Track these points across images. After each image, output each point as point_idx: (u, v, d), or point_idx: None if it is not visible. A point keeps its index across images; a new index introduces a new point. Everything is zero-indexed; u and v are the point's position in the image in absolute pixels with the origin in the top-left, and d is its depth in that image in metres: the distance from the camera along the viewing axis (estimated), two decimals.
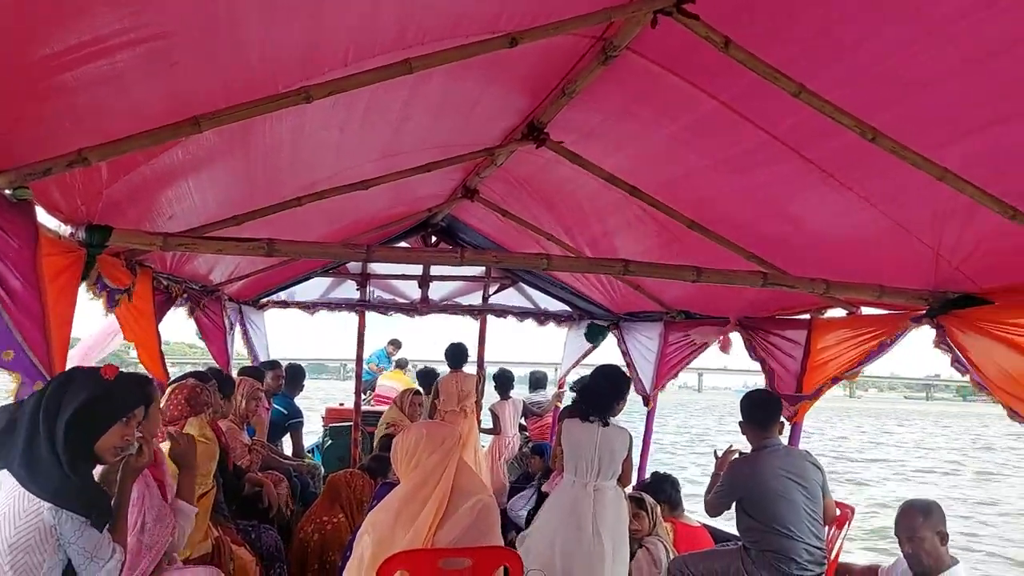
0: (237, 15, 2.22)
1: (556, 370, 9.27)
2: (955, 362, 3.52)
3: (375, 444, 6.96)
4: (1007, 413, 3.25)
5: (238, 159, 3.64)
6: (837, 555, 4.47)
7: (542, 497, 5.44)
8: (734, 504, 4.39)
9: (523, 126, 4.19)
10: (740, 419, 4.53)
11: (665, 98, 3.47)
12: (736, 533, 4.54)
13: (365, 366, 9.52)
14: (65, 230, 2.91)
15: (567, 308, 8.45)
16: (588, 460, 4.41)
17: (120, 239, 3.02)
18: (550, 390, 9.27)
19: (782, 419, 4.52)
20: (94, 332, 5.21)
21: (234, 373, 6.39)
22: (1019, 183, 2.69)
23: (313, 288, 8.44)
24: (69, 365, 2.67)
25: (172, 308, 5.07)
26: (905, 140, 2.72)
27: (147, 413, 2.79)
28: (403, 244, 7.69)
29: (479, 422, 7.97)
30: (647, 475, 6.40)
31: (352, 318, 8.53)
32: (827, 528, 4.44)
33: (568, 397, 8.26)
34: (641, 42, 3.03)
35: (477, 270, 8.40)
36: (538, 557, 4.32)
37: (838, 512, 4.53)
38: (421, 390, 8.19)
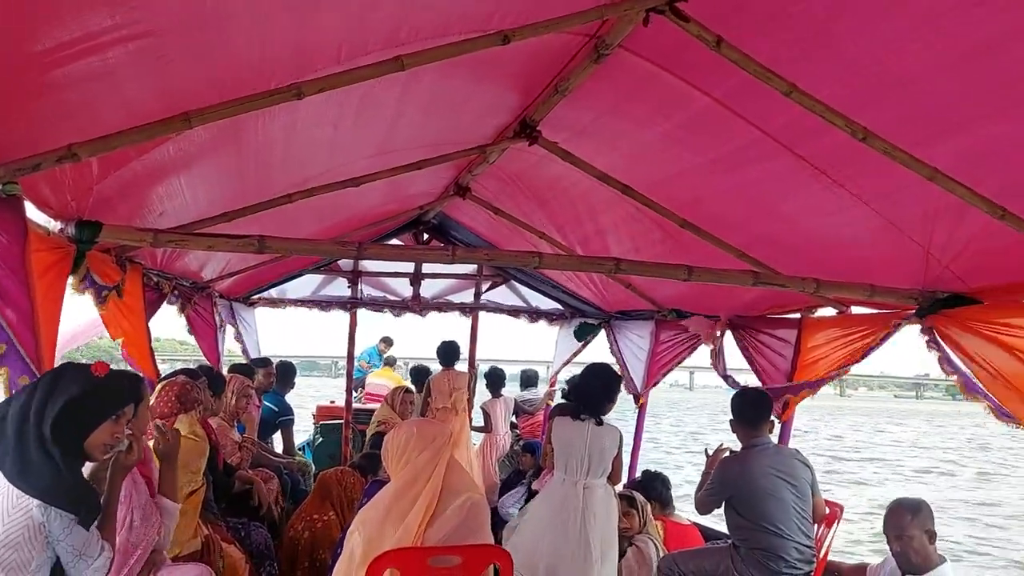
0: (229, 12, 2.21)
1: (548, 368, 9.27)
2: (943, 361, 3.53)
3: (366, 442, 6.97)
4: (994, 414, 3.27)
5: (230, 156, 3.63)
6: (826, 553, 4.49)
7: (532, 495, 5.45)
8: (724, 502, 4.41)
9: (515, 124, 4.19)
10: (730, 418, 4.55)
11: (658, 96, 3.47)
12: (726, 531, 4.56)
13: (356, 363, 9.51)
14: (55, 226, 2.89)
15: (559, 306, 8.46)
16: (578, 458, 4.42)
17: (110, 235, 3.00)
18: (541, 388, 9.28)
19: (772, 418, 4.53)
20: (78, 323, 5.17)
21: (225, 370, 6.37)
22: (1008, 182, 2.71)
23: (304, 285, 8.42)
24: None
25: (162, 305, 5.05)
26: (895, 138, 2.73)
27: (137, 411, 2.78)
28: (395, 241, 7.68)
29: (471, 420, 7.97)
30: (638, 473, 6.41)
31: (343, 315, 8.52)
32: (816, 526, 4.46)
33: (559, 395, 8.28)
34: (634, 40, 3.04)
35: (469, 268, 8.40)
36: (523, 553, 4.32)
37: (827, 511, 4.55)
38: (412, 388, 8.19)
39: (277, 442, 7.45)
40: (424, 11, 2.71)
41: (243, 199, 4.17)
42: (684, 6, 2.67)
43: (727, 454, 4.62)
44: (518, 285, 8.50)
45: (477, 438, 8.22)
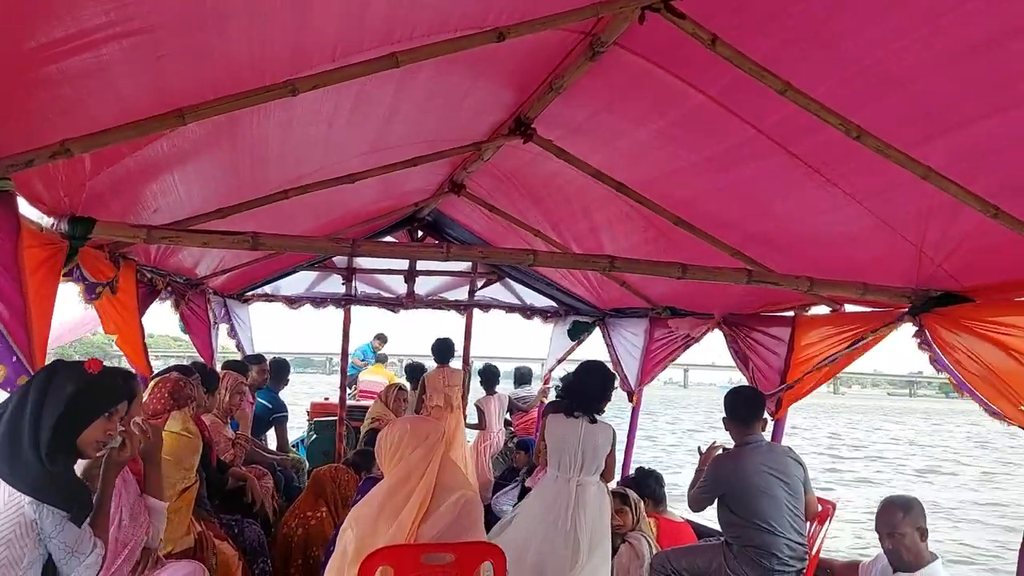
0: (224, 9, 2.21)
1: (542, 365, 9.29)
2: (934, 361, 3.55)
3: (360, 439, 6.97)
4: (988, 411, 3.28)
5: (224, 152, 3.62)
6: (818, 550, 4.50)
7: (526, 492, 5.46)
8: (717, 500, 4.42)
9: (510, 121, 4.19)
10: (723, 415, 4.57)
11: (653, 93, 3.47)
12: (719, 529, 4.57)
13: (350, 360, 9.51)
14: (47, 222, 2.88)
15: (553, 304, 8.47)
16: (571, 455, 4.42)
17: (103, 231, 3.00)
18: (535, 385, 9.29)
19: (765, 416, 4.55)
20: (72, 319, 5.16)
21: (218, 367, 6.36)
22: (1001, 181, 2.71)
23: (299, 282, 8.41)
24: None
25: (156, 301, 5.04)
26: (889, 136, 2.73)
27: (130, 408, 2.77)
28: (389, 238, 7.67)
29: (465, 417, 7.98)
30: (631, 470, 6.42)
31: (338, 312, 8.51)
32: (809, 524, 4.47)
33: (553, 393, 8.29)
34: (629, 37, 3.04)
35: (463, 265, 8.40)
36: (512, 548, 4.33)
37: (820, 508, 4.57)
38: (407, 385, 8.19)
39: (271, 439, 7.44)
40: (419, 8, 2.70)
41: (238, 195, 4.16)
42: (679, 4, 2.67)
43: (720, 452, 4.63)
44: (512, 282, 8.51)
45: (471, 435, 8.23)
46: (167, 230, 3.31)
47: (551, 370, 8.90)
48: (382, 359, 12.12)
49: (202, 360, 6.44)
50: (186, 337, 6.63)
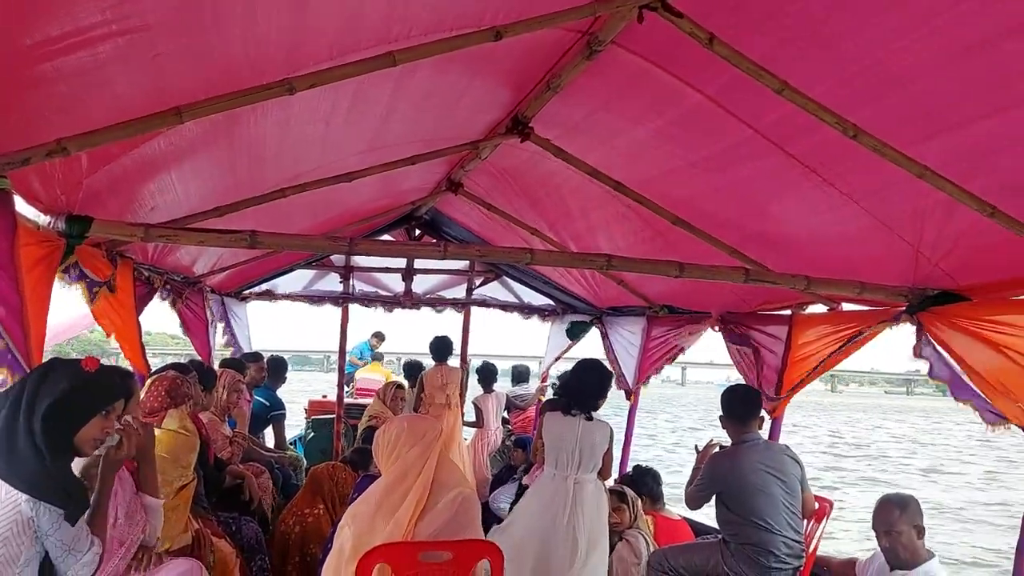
0: (221, 8, 2.21)
1: (539, 364, 9.29)
2: (931, 369, 3.55)
3: (357, 436, 6.97)
4: (982, 417, 3.29)
5: (221, 150, 3.62)
6: (815, 548, 4.51)
7: (523, 490, 5.46)
8: (714, 497, 4.43)
9: (507, 120, 4.19)
10: (720, 414, 4.58)
11: (650, 92, 3.47)
12: (716, 526, 4.58)
13: (347, 358, 9.52)
14: (44, 220, 2.88)
15: (551, 302, 8.47)
16: (569, 453, 4.43)
17: (100, 230, 2.99)
18: (533, 384, 9.30)
19: (762, 414, 4.56)
20: (69, 317, 5.16)
21: (216, 365, 6.36)
22: (997, 180, 2.72)
23: (296, 280, 8.41)
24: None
25: (153, 299, 5.04)
26: (886, 136, 2.74)
27: (127, 406, 2.77)
28: (387, 237, 7.67)
29: (462, 415, 7.98)
30: (629, 468, 6.43)
31: (335, 310, 8.51)
32: (806, 522, 4.48)
33: (550, 391, 8.30)
34: (626, 36, 3.04)
35: (461, 263, 8.40)
36: (512, 548, 4.33)
37: (816, 506, 4.58)
38: (405, 383, 8.19)
39: (269, 437, 7.44)
40: (416, 7, 2.70)
41: (235, 194, 4.16)
42: (677, 2, 2.67)
43: (717, 449, 4.64)
44: (510, 281, 8.51)
45: (468, 433, 8.23)
46: (164, 228, 3.30)
47: (548, 368, 8.91)
48: (378, 357, 12.13)
49: (199, 358, 6.44)
50: (184, 335, 6.63)
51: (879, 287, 3.59)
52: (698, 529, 5.58)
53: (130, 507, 3.07)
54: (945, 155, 2.71)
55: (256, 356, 7.32)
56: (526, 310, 8.77)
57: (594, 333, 7.91)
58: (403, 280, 8.38)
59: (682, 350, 6.15)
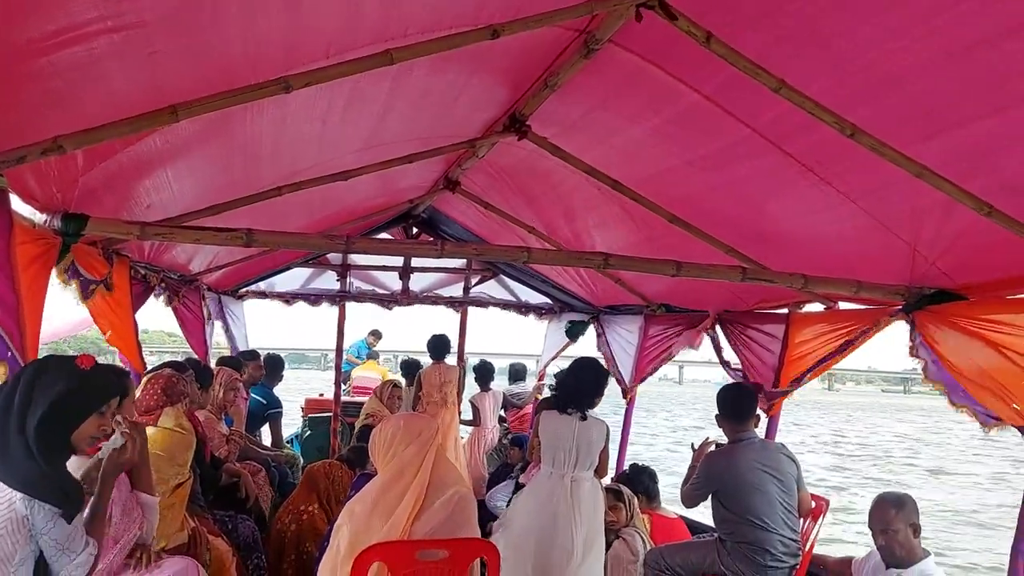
0: (218, 6, 2.20)
1: (537, 362, 9.29)
2: (926, 370, 3.55)
3: (354, 434, 6.97)
4: (979, 421, 3.29)
5: (218, 148, 3.62)
6: (812, 547, 4.52)
7: (520, 488, 5.46)
8: (710, 496, 4.43)
9: (505, 118, 4.19)
10: (716, 412, 4.58)
11: (647, 91, 3.47)
12: (713, 525, 4.58)
13: (345, 356, 9.51)
14: (40, 218, 2.87)
15: (548, 301, 8.47)
16: (566, 451, 4.43)
17: (96, 228, 2.99)
18: (530, 382, 9.30)
19: (758, 412, 4.56)
20: (67, 320, 5.15)
21: (213, 363, 6.35)
22: (995, 180, 2.72)
23: (293, 278, 8.40)
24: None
25: (150, 297, 5.03)
26: (884, 135, 2.74)
27: (121, 404, 2.77)
28: (384, 235, 7.66)
29: (459, 414, 7.98)
30: (626, 467, 6.43)
31: (332, 308, 8.51)
32: (802, 520, 4.48)
33: (547, 389, 8.30)
34: (623, 35, 3.03)
35: (458, 262, 8.39)
36: (513, 544, 4.34)
37: (813, 504, 4.58)
38: (402, 381, 8.19)
39: (265, 435, 7.44)
40: (413, 5, 2.70)
41: (231, 192, 4.15)
42: (674, 1, 2.67)
43: (713, 448, 4.64)
44: (507, 279, 8.50)
45: (465, 431, 8.24)
46: (161, 226, 3.29)
47: (545, 366, 8.91)
48: (373, 356, 12.14)
49: (196, 356, 6.43)
50: (181, 333, 6.62)
51: (876, 286, 3.59)
52: (695, 528, 5.59)
53: (126, 504, 3.07)
54: (943, 155, 2.71)
55: (253, 354, 7.32)
56: (523, 308, 8.77)
57: (591, 331, 7.91)
58: (400, 278, 8.37)
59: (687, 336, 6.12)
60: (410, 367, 8.96)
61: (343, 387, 9.10)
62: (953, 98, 2.51)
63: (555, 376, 6.47)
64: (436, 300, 8.65)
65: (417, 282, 8.55)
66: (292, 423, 9.42)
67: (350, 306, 8.50)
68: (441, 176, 5.91)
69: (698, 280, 3.95)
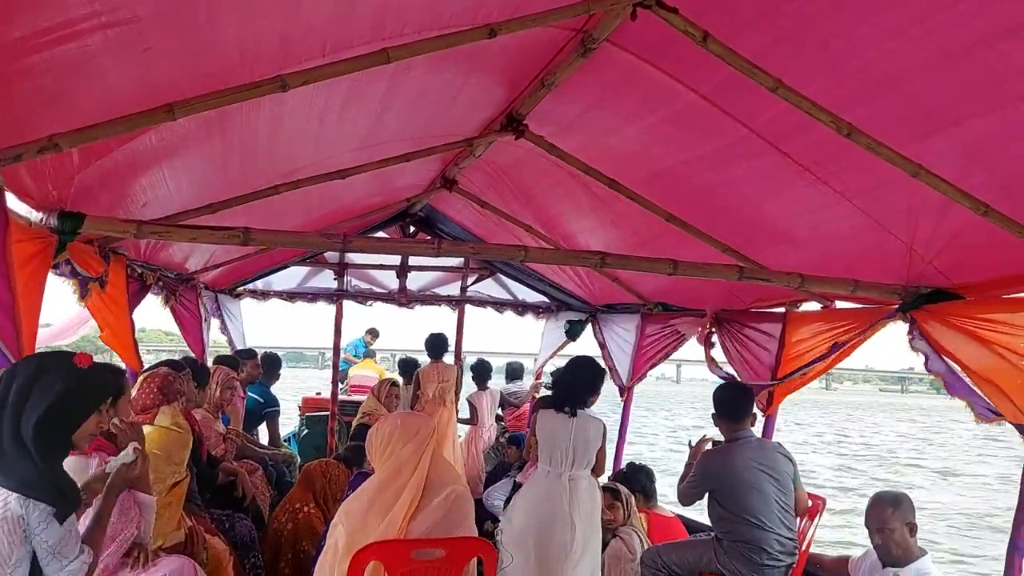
0: (213, 2, 2.20)
1: (534, 361, 9.29)
2: (927, 362, 3.55)
3: (350, 433, 6.96)
4: (975, 413, 3.30)
5: (215, 147, 3.61)
6: (808, 545, 4.52)
7: (518, 488, 5.46)
8: (707, 494, 4.43)
9: (502, 117, 4.19)
10: (712, 411, 4.58)
11: (644, 91, 3.47)
12: (710, 524, 4.58)
13: (342, 355, 9.50)
14: (36, 216, 2.86)
15: (545, 299, 8.47)
16: (563, 450, 4.43)
17: (93, 226, 2.98)
18: (527, 381, 9.29)
19: (755, 411, 4.56)
20: (65, 318, 5.14)
21: (210, 362, 6.35)
22: (991, 179, 2.73)
23: (290, 277, 8.39)
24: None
25: (146, 296, 5.02)
26: (881, 135, 2.74)
27: (117, 403, 2.76)
28: (381, 234, 7.66)
29: (456, 412, 7.98)
30: (622, 465, 6.43)
31: (329, 307, 8.50)
32: (799, 519, 4.49)
33: (544, 388, 8.29)
34: (620, 34, 3.03)
35: (455, 260, 8.39)
36: (513, 546, 4.34)
37: (810, 503, 4.58)
38: (400, 380, 8.18)
39: (263, 434, 7.43)
40: (410, 4, 2.69)
41: (228, 190, 4.14)
42: (671, 0, 2.67)
43: (710, 445, 4.64)
44: (504, 278, 8.50)
45: (462, 430, 8.23)
46: (157, 225, 3.29)
47: (543, 365, 8.90)
48: (370, 354, 12.13)
49: (193, 355, 6.42)
50: (178, 330, 6.61)
51: (873, 285, 3.60)
52: (692, 526, 5.59)
53: (123, 504, 3.06)
54: (940, 154, 2.71)
55: (250, 353, 7.31)
56: (520, 307, 8.77)
57: (589, 330, 7.91)
58: (398, 277, 8.37)
59: (686, 336, 6.12)
60: (408, 366, 8.95)
61: (340, 386, 9.09)
62: (950, 98, 2.51)
63: (551, 374, 6.47)
64: (433, 299, 8.64)
65: (415, 281, 8.54)
66: (289, 422, 9.41)
67: (347, 304, 8.50)
68: (438, 175, 5.90)
69: (695, 279, 3.95)
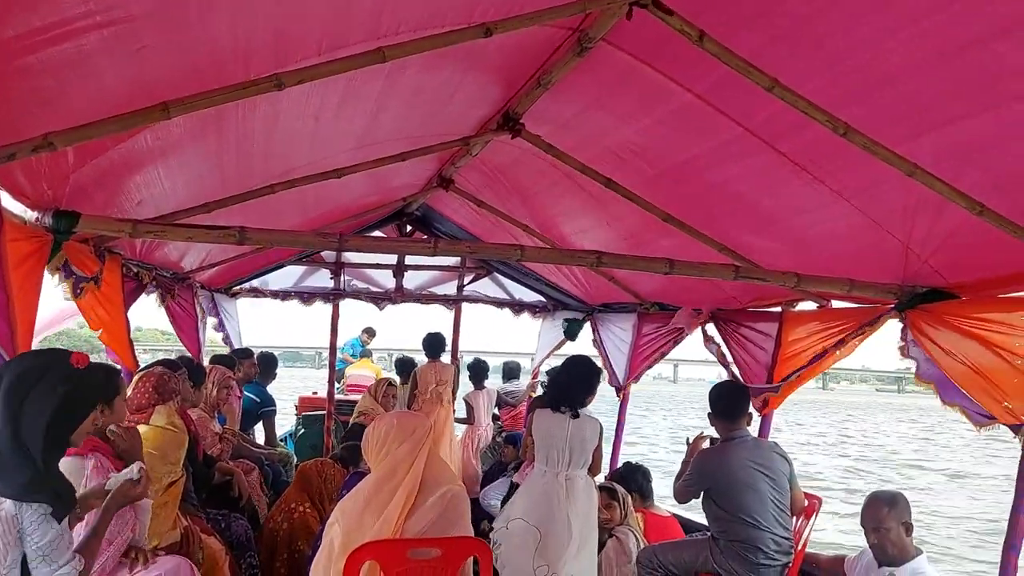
0: (207, 1, 2.19)
1: (531, 360, 9.29)
2: (918, 370, 3.56)
3: (346, 432, 6.95)
4: (970, 420, 3.30)
5: (210, 145, 3.60)
6: (804, 545, 4.52)
7: (514, 487, 5.46)
8: (702, 493, 4.44)
9: (498, 116, 4.18)
10: (708, 411, 4.58)
11: (640, 90, 3.47)
12: (706, 523, 4.59)
13: (339, 355, 9.49)
14: (31, 215, 2.86)
15: (542, 299, 8.47)
16: (559, 449, 4.43)
17: (88, 225, 2.97)
18: (524, 380, 9.29)
19: (751, 411, 4.57)
20: (50, 313, 5.11)
21: (206, 361, 6.33)
22: (986, 179, 2.73)
23: (287, 276, 8.37)
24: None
25: (142, 295, 5.01)
26: (876, 134, 2.75)
27: (113, 403, 2.76)
28: (377, 233, 7.65)
29: (453, 412, 7.97)
30: (619, 465, 6.43)
31: (326, 306, 8.49)
32: (795, 519, 4.49)
33: (541, 387, 8.29)
34: (617, 34, 3.03)
35: (452, 260, 8.38)
36: (514, 546, 4.34)
37: (806, 503, 4.59)
38: (397, 380, 8.18)
39: (259, 433, 7.42)
40: (406, 3, 2.69)
41: (224, 189, 4.14)
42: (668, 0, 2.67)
43: (707, 443, 4.65)
44: (501, 277, 8.49)
45: (459, 429, 8.23)
46: (153, 224, 3.28)
47: (539, 365, 8.90)
48: (367, 354, 12.12)
49: (189, 354, 6.41)
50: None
51: (869, 284, 3.60)
52: (688, 526, 5.59)
53: None
54: (935, 153, 2.72)
55: (247, 352, 7.30)
56: (517, 307, 8.76)
57: (586, 329, 7.90)
58: (394, 276, 8.35)
59: (684, 335, 6.12)
60: (405, 365, 8.95)
61: (337, 385, 9.08)
62: (945, 97, 2.52)
63: (548, 374, 6.47)
64: (430, 298, 8.64)
65: (411, 280, 8.53)
66: (286, 421, 9.40)
67: (344, 303, 8.49)
68: (435, 174, 5.90)
69: (691, 278, 3.95)
